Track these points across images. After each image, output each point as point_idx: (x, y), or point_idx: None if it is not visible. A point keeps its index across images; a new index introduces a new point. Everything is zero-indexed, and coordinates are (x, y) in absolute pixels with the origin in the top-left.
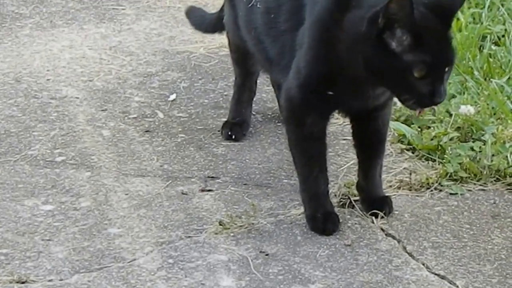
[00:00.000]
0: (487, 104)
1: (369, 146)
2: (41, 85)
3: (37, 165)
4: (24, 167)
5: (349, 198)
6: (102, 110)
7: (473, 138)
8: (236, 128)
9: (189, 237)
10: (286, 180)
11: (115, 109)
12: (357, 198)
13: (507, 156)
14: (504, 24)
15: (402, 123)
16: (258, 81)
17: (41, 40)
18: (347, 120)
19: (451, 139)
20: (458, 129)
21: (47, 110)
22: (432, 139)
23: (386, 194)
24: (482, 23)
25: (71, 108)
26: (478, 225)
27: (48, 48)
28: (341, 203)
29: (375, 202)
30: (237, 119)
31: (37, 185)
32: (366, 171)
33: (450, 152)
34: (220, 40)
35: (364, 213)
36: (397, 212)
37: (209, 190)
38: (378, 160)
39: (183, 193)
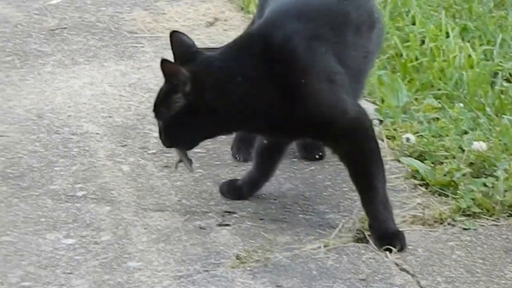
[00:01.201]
0: (499, 140)
1: (355, 182)
2: (63, 121)
3: (59, 199)
4: (46, 201)
5: (363, 233)
6: (122, 146)
7: (485, 174)
8: (242, 148)
9: (207, 271)
10: (301, 215)
11: (135, 144)
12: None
13: None
14: None
15: (415, 159)
16: None
17: (63, 77)
18: None
19: (463, 175)
20: (470, 164)
21: (68, 145)
22: (445, 175)
23: (399, 229)
24: (493, 60)
25: (92, 143)
26: (491, 260)
27: (69, 85)
28: (356, 237)
29: (384, 238)
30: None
31: (59, 219)
32: (364, 207)
33: (463, 188)
34: None
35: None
36: (411, 247)
37: (226, 225)
38: (369, 196)
39: (200, 228)
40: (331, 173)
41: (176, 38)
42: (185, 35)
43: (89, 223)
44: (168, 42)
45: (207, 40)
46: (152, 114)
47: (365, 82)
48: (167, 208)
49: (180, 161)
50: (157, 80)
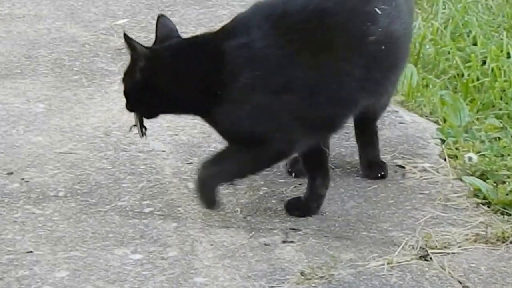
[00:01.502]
0: None
1: None
2: (130, 139)
3: (126, 215)
4: (114, 217)
5: (426, 251)
6: (188, 163)
7: None
8: (297, 164)
9: (272, 287)
10: (365, 233)
11: (200, 162)
12: (435, 251)
13: None
14: None
15: (477, 178)
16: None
17: None
18: (424, 174)
19: None
20: None
21: (135, 163)
22: (507, 194)
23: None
24: None
25: (158, 161)
26: None
27: None
28: (419, 255)
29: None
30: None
31: (127, 235)
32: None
33: None
34: None
35: (442, 266)
36: (473, 265)
37: (291, 242)
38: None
39: (265, 244)
40: (394, 191)
41: (161, 21)
42: (171, 21)
43: (156, 239)
44: None
45: None
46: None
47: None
48: (233, 224)
49: (135, 125)
50: None
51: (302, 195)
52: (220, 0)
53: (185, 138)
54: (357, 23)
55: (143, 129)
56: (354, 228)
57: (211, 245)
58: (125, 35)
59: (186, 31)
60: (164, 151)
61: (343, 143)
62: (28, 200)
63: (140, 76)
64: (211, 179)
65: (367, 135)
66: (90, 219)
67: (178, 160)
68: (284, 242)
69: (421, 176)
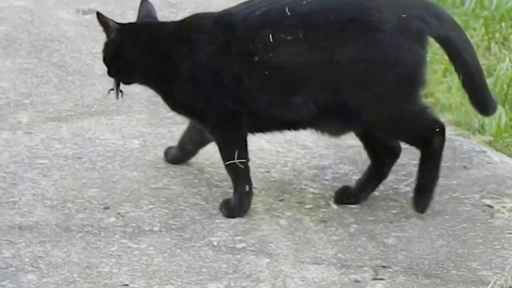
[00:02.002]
0: None
1: None
2: (222, 175)
3: (219, 250)
4: (207, 252)
5: None
6: (279, 200)
7: None
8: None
9: None
10: (454, 271)
11: (291, 199)
12: None
13: None
14: None
15: None
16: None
17: None
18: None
19: None
20: None
21: None
22: None
23: None
24: None
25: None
26: None
27: None
28: None
29: None
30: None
31: (220, 270)
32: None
33: None
34: None
35: None
36: None
37: (381, 279)
38: None
39: (356, 281)
40: (483, 230)
41: (143, 5)
42: (152, 5)
43: (248, 275)
44: None
45: None
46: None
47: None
48: (324, 261)
49: (112, 89)
50: (312, 137)
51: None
52: None
53: (277, 175)
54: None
55: (120, 93)
56: (443, 266)
57: (303, 281)
58: (98, 13)
59: None
60: (256, 187)
61: None
62: (124, 234)
63: (112, 46)
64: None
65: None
66: (184, 253)
67: (270, 196)
68: (374, 279)
69: (509, 216)
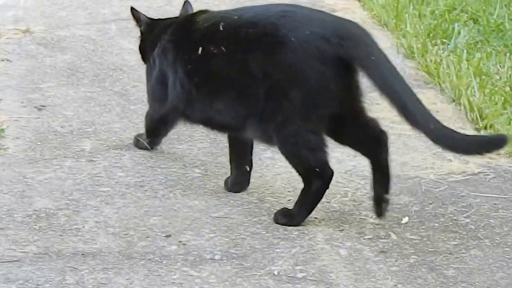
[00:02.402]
0: None
1: None
2: (283, 204)
3: (280, 280)
4: (268, 281)
5: None
6: (339, 230)
7: None
8: None
9: None
10: None
11: (351, 229)
12: None
13: None
14: None
15: None
16: (485, 206)
17: (282, 163)
18: None
19: None
20: None
21: (288, 228)
22: None
23: None
24: None
25: (311, 227)
26: None
27: (288, 170)
28: None
29: None
30: None
31: None
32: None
33: None
34: (449, 166)
35: None
36: None
37: None
38: None
39: None
40: None
41: (184, 6)
42: (191, 6)
43: None
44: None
45: None
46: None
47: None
48: None
49: None
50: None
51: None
52: None
53: (336, 205)
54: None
55: None
56: None
57: None
58: (131, 8)
59: None
60: (316, 217)
61: (491, 214)
62: (186, 262)
63: (142, 35)
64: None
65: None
66: (245, 282)
67: (330, 226)
68: None
69: None
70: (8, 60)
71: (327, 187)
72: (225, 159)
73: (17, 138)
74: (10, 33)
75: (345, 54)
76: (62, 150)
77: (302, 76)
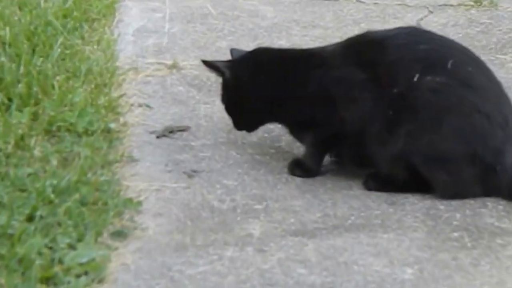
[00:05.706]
0: None
1: None
2: None
3: None
4: None
5: None
6: None
7: None
8: None
9: None
10: None
11: None
12: None
13: None
14: None
15: None
16: None
17: None
18: None
19: None
20: None
21: None
22: None
23: None
24: None
25: None
26: None
27: None
28: None
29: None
30: None
31: None
32: None
33: None
34: None
35: None
36: None
37: None
38: None
39: None
40: None
41: (232, 53)
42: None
43: None
44: None
45: None
46: None
47: None
48: None
49: None
50: None
51: None
52: None
53: None
54: None
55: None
56: None
57: None
58: (203, 61)
59: None
60: None
61: None
62: None
63: (227, 77)
64: None
65: None
66: None
67: None
68: None
69: None
70: (147, 106)
71: None
72: (447, 255)
73: (160, 215)
74: (150, 68)
75: None
76: (221, 234)
77: None
